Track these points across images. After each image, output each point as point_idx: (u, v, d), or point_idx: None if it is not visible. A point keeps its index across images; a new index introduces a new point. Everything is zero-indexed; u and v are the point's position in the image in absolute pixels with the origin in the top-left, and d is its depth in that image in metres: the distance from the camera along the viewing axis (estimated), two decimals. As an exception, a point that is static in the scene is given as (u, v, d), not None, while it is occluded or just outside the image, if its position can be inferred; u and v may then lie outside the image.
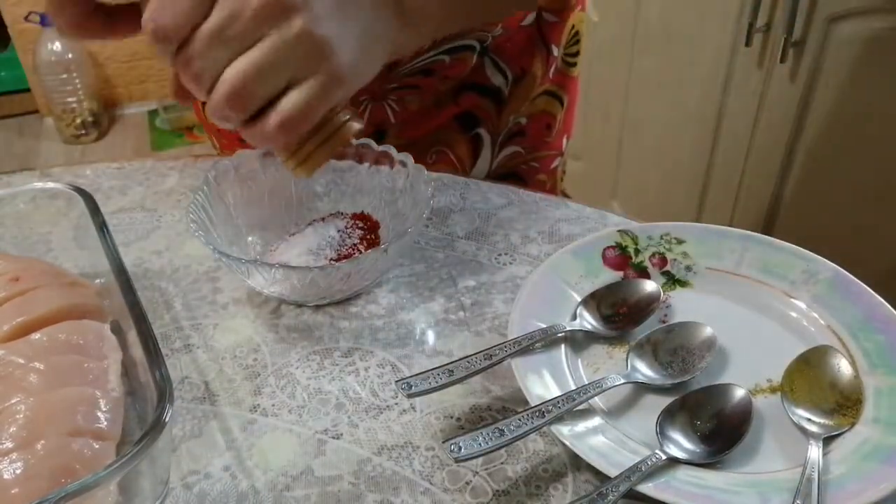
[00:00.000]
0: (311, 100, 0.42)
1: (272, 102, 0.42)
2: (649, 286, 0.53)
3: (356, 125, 0.47)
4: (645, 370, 0.48)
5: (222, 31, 0.40)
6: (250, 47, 0.41)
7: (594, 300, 0.52)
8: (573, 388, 0.46)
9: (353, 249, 0.57)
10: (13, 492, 0.37)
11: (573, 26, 0.79)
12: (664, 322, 0.53)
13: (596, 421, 0.45)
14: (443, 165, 0.77)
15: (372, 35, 0.45)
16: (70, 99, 2.54)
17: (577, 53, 0.81)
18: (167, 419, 0.38)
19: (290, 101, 0.42)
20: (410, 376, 0.45)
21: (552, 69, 0.79)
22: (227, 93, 0.41)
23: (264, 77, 0.41)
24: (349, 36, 0.43)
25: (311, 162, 0.46)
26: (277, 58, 0.41)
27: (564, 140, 0.86)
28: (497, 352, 0.47)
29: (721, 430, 0.43)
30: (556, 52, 0.78)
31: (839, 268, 0.52)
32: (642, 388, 0.48)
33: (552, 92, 0.80)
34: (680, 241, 0.56)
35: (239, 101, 0.41)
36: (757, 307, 0.53)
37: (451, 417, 0.47)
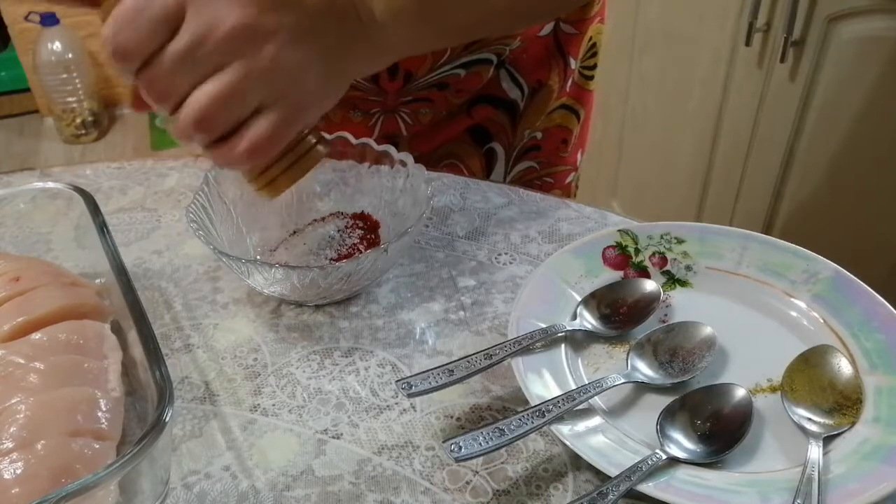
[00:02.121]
0: (280, 125, 0.42)
1: (239, 126, 0.42)
2: (649, 286, 0.53)
3: (323, 149, 0.46)
4: (645, 370, 0.48)
5: (191, 52, 0.39)
6: (219, 70, 0.40)
7: (594, 300, 0.52)
8: (573, 387, 0.46)
9: (353, 249, 0.57)
10: (13, 492, 0.37)
11: (591, 38, 0.77)
12: (664, 322, 0.53)
13: (596, 420, 0.45)
14: None
15: (337, 56, 0.45)
16: (70, 99, 2.54)
17: (594, 66, 0.80)
18: (167, 419, 0.38)
19: (259, 127, 0.42)
20: (410, 376, 0.45)
21: (569, 82, 0.77)
22: (194, 116, 0.40)
23: (233, 102, 0.41)
24: (317, 60, 0.43)
25: (276, 185, 0.46)
26: (247, 84, 0.40)
27: (579, 155, 0.84)
28: (497, 351, 0.47)
29: (721, 430, 0.43)
30: (573, 64, 0.76)
31: (839, 267, 0.52)
32: (642, 388, 0.48)
33: (569, 106, 0.78)
34: (680, 241, 0.56)
35: (206, 125, 0.41)
36: (757, 307, 0.53)
37: (452, 417, 0.47)
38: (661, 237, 0.57)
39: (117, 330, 0.49)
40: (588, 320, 0.51)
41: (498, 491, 0.43)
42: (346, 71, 0.46)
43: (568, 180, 0.84)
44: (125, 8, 0.39)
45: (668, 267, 0.56)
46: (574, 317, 0.52)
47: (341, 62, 0.45)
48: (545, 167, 0.81)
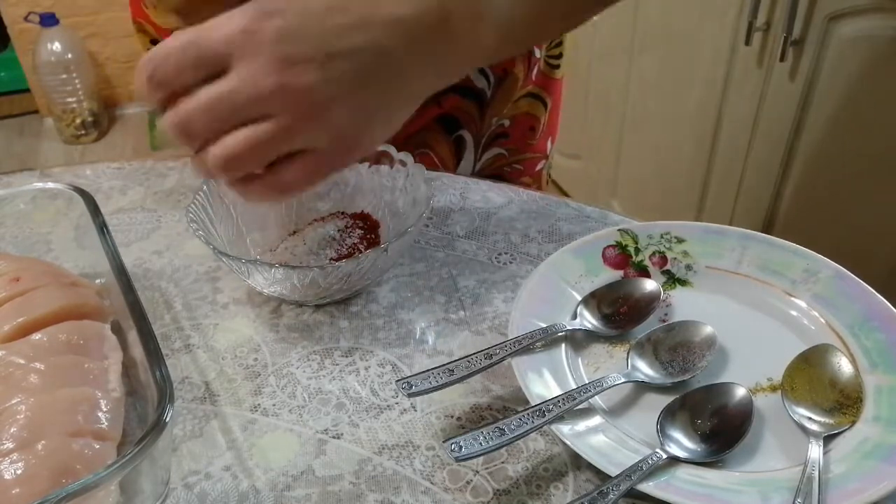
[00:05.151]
0: (319, 171, 0.43)
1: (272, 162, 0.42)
2: (649, 285, 0.53)
3: None
4: (645, 369, 0.48)
5: (234, 98, 0.39)
6: (259, 120, 0.40)
7: (594, 299, 0.52)
8: (573, 387, 0.46)
9: (353, 249, 0.57)
10: (14, 492, 0.37)
11: None
12: (664, 321, 0.53)
13: (596, 420, 0.45)
14: (426, 167, 0.77)
15: (400, 105, 0.44)
16: (70, 99, 2.54)
17: (559, 56, 0.81)
18: (168, 419, 0.38)
19: (295, 171, 0.42)
20: (411, 376, 0.45)
21: (534, 71, 0.79)
22: (225, 157, 0.41)
23: (268, 150, 0.41)
24: (369, 113, 0.42)
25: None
26: (287, 136, 0.40)
27: (549, 143, 0.86)
28: (497, 351, 0.47)
29: (721, 429, 0.43)
30: (537, 53, 0.78)
31: (839, 266, 0.52)
32: (643, 388, 0.48)
33: (535, 94, 0.80)
34: (680, 240, 0.56)
35: (234, 167, 0.41)
36: (757, 306, 0.53)
37: (452, 417, 0.47)
38: (662, 236, 0.57)
39: (117, 330, 0.49)
40: (588, 320, 0.51)
41: (498, 490, 0.43)
42: (407, 102, 0.45)
43: (538, 168, 0.86)
44: (174, 38, 0.40)
45: (668, 266, 0.56)
46: (574, 316, 0.52)
47: (401, 96, 0.44)
48: (514, 154, 0.82)
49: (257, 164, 0.42)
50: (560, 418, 0.43)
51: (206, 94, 0.40)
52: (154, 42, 0.77)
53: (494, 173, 0.81)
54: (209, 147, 0.41)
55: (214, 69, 0.40)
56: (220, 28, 0.40)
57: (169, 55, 0.40)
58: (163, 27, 0.75)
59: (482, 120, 0.78)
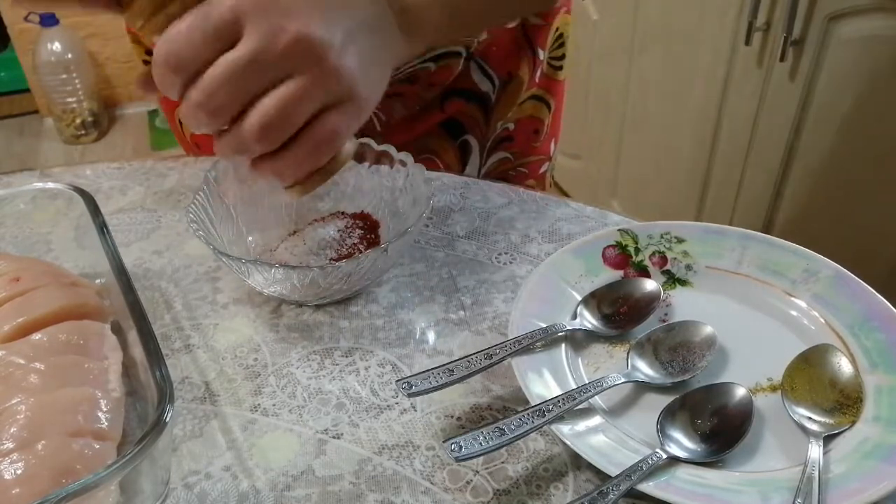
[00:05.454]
0: (344, 127, 0.44)
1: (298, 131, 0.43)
2: (649, 285, 0.53)
3: (351, 148, 0.48)
4: (645, 369, 0.48)
5: (252, 62, 0.40)
6: (281, 81, 0.41)
7: (594, 299, 0.53)
8: (573, 387, 0.46)
9: (353, 249, 0.57)
10: (14, 492, 0.37)
11: (557, 29, 0.79)
12: (664, 321, 0.53)
13: (596, 420, 0.45)
14: None
15: (383, 51, 0.46)
16: (70, 99, 2.54)
17: (562, 57, 0.81)
18: (168, 419, 0.38)
19: (323, 132, 0.43)
20: (411, 376, 0.45)
21: (538, 73, 0.79)
22: (261, 126, 0.41)
23: (297, 112, 0.42)
24: (370, 59, 0.44)
25: (306, 185, 0.47)
26: (311, 92, 0.42)
27: (552, 145, 0.86)
28: (497, 351, 0.47)
29: (721, 429, 0.43)
30: (541, 55, 0.78)
31: (839, 266, 0.52)
32: (643, 387, 0.48)
33: (539, 96, 0.80)
34: (680, 240, 0.56)
35: (272, 135, 0.42)
36: (757, 306, 0.53)
37: (452, 417, 0.47)
38: (661, 236, 0.57)
39: (117, 330, 0.49)
40: (588, 320, 0.51)
41: (498, 490, 0.43)
42: (389, 62, 0.48)
43: (542, 170, 0.86)
44: (182, 20, 0.40)
45: (668, 266, 0.56)
46: (574, 316, 0.52)
47: (386, 55, 0.47)
48: (519, 158, 0.82)
49: (292, 126, 0.42)
50: (560, 418, 0.43)
51: (225, 61, 0.40)
52: (149, 52, 0.77)
53: (499, 177, 0.81)
54: (240, 122, 0.42)
55: (227, 39, 0.40)
56: (221, 1, 0.40)
57: (180, 34, 0.40)
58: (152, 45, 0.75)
59: (487, 124, 0.77)
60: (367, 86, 0.44)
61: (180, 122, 0.82)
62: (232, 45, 0.40)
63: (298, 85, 0.41)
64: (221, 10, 0.40)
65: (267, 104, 0.41)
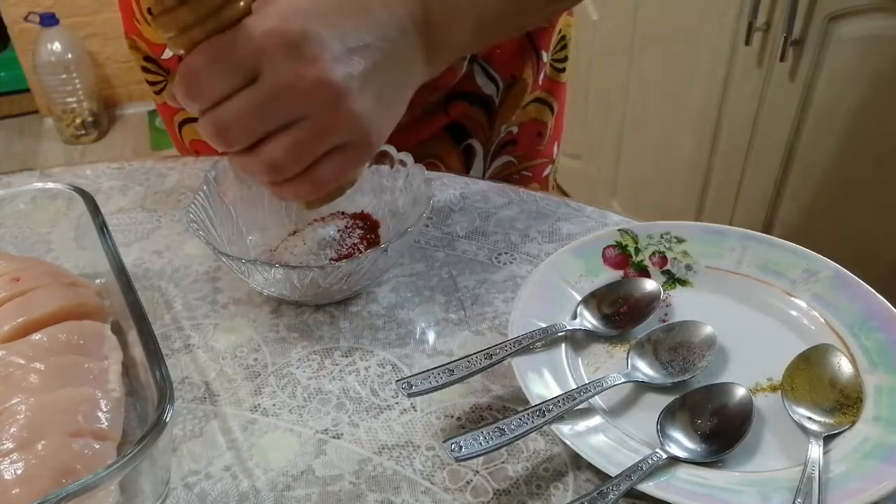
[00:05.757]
0: (350, 165, 0.45)
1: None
2: (649, 285, 0.53)
3: (358, 171, 0.50)
4: (645, 369, 0.48)
5: (269, 102, 0.41)
6: (295, 122, 0.42)
7: (594, 299, 0.53)
8: (573, 387, 0.46)
9: (353, 249, 0.57)
10: (14, 492, 0.37)
11: (560, 31, 0.79)
12: (664, 321, 0.53)
13: (596, 420, 0.45)
14: None
15: (399, 98, 0.47)
16: (70, 99, 2.54)
17: (565, 59, 0.81)
18: (168, 419, 0.38)
19: (330, 168, 0.44)
20: (411, 376, 0.45)
21: (541, 75, 0.78)
22: (269, 163, 0.43)
23: (308, 153, 0.43)
24: (386, 98, 0.45)
25: (310, 204, 0.49)
26: (323, 137, 0.43)
27: (555, 147, 0.86)
28: (497, 351, 0.47)
29: (721, 429, 0.43)
30: (545, 57, 0.78)
31: (839, 266, 0.52)
32: (643, 387, 0.48)
33: (542, 99, 0.80)
34: (680, 240, 0.56)
35: (279, 171, 0.43)
36: (757, 306, 0.53)
37: (452, 417, 0.47)
38: (662, 236, 0.57)
39: (117, 330, 0.49)
40: (588, 320, 0.51)
41: (498, 490, 0.43)
42: (405, 101, 0.48)
43: (545, 173, 0.85)
44: (204, 49, 0.41)
45: (668, 266, 0.56)
46: (574, 316, 0.52)
47: (403, 96, 0.47)
48: (523, 161, 0.82)
49: (300, 166, 0.44)
50: (560, 418, 0.43)
51: (240, 101, 0.41)
52: (148, 59, 0.77)
53: (503, 182, 0.81)
54: (251, 154, 0.43)
55: (248, 74, 0.41)
56: (246, 36, 0.41)
57: (199, 71, 0.41)
58: (155, 42, 0.74)
59: (491, 127, 0.77)
60: (379, 129, 0.45)
61: (179, 130, 0.82)
62: (252, 80, 0.41)
63: (311, 129, 0.42)
64: (247, 47, 0.40)
65: (277, 146, 0.42)
